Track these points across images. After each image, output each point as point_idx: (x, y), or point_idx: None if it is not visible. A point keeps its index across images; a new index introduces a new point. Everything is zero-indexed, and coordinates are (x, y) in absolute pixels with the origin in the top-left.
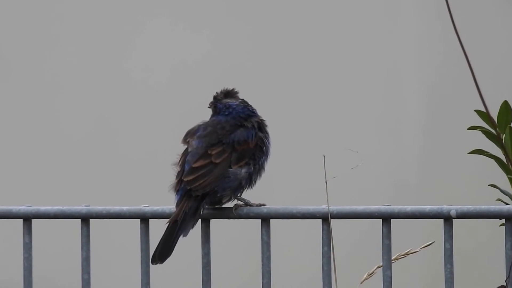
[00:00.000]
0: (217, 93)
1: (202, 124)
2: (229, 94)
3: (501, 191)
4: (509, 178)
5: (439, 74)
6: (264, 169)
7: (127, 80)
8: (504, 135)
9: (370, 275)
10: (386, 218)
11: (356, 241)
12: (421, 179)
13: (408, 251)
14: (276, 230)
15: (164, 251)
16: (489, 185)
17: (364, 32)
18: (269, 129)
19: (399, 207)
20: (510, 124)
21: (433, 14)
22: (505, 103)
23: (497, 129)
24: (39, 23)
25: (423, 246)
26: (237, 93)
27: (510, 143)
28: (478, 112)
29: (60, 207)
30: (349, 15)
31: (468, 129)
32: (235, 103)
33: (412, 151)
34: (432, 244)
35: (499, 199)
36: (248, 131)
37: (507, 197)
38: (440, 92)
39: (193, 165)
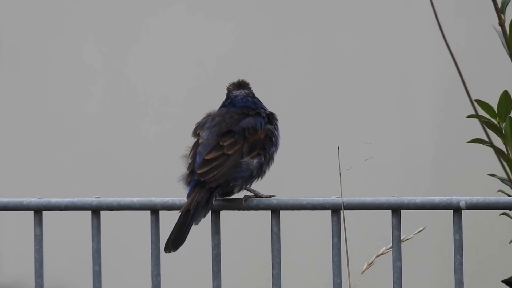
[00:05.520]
0: (230, 84)
1: (210, 116)
2: (241, 85)
3: (501, 180)
4: (509, 167)
5: (452, 67)
6: (273, 159)
7: (134, 73)
8: (504, 124)
9: (370, 265)
10: (396, 209)
11: (367, 232)
12: (435, 170)
13: (403, 238)
14: (286, 221)
15: (177, 240)
16: (488, 175)
17: (378, 24)
18: (282, 121)
19: (409, 198)
20: (510, 114)
21: (448, 5)
22: (505, 93)
23: (497, 118)
24: (54, 22)
25: (415, 232)
26: (249, 84)
27: (510, 132)
28: (478, 101)
29: (71, 199)
30: (365, 8)
31: (467, 117)
32: (241, 95)
33: (424, 142)
34: (443, 236)
35: (500, 190)
36: (255, 119)
37: (507, 187)
38: (453, 85)
39: (206, 157)
